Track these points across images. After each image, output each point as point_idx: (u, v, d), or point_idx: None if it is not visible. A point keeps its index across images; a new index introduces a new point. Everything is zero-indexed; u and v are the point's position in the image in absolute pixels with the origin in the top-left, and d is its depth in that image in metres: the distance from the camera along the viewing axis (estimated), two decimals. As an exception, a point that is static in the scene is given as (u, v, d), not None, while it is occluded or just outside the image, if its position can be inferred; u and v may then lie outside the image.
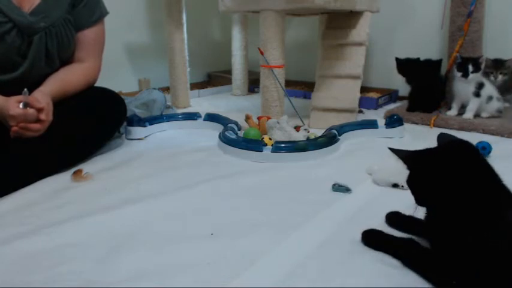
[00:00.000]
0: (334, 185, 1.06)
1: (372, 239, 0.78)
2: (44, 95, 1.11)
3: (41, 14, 1.16)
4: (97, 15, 1.30)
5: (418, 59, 1.84)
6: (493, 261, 0.60)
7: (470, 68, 1.63)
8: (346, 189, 1.04)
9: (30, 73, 1.18)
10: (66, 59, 1.28)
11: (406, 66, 1.86)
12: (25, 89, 1.07)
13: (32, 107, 1.07)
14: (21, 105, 1.06)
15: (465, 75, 1.65)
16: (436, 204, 0.70)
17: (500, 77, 1.78)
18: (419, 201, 0.73)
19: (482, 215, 0.64)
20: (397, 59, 1.87)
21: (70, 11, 1.23)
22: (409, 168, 0.74)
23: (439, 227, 0.70)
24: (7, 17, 1.10)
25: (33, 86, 1.14)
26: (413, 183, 0.73)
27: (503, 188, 0.67)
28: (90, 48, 1.30)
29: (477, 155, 0.69)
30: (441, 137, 0.76)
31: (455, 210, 0.66)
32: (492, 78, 1.77)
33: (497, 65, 1.78)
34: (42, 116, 1.08)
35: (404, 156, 0.75)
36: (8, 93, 1.08)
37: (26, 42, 1.15)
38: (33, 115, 1.07)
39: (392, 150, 0.76)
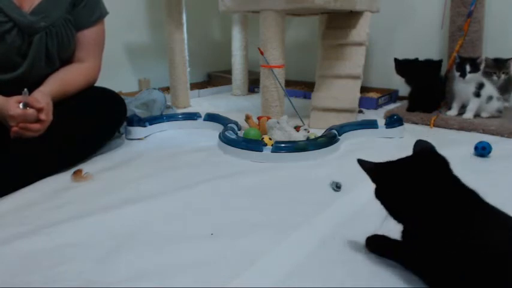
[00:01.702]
0: (332, 183, 1.07)
1: (377, 244, 0.76)
2: (43, 95, 1.11)
3: (41, 14, 1.16)
4: (97, 15, 1.30)
5: (417, 59, 1.84)
6: (483, 263, 0.59)
7: (468, 68, 1.64)
8: (336, 186, 1.06)
9: (30, 73, 1.18)
10: (66, 59, 1.28)
11: (405, 67, 1.85)
12: (25, 89, 1.07)
13: (32, 107, 1.07)
14: (21, 106, 1.06)
15: (463, 75, 1.65)
16: (406, 216, 0.70)
17: (502, 77, 1.77)
18: (389, 213, 0.73)
19: (463, 222, 0.63)
20: (395, 59, 1.87)
21: (70, 11, 1.23)
22: (373, 181, 0.74)
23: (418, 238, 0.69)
24: (7, 17, 1.10)
25: (33, 86, 1.14)
26: (379, 196, 0.73)
27: (475, 196, 0.67)
28: (90, 48, 1.30)
29: (443, 167, 0.69)
30: (417, 145, 0.76)
31: (427, 221, 0.65)
32: (495, 78, 1.76)
33: (499, 64, 1.77)
34: (42, 116, 1.08)
35: (369, 168, 0.74)
36: (8, 93, 1.08)
37: (26, 42, 1.15)
38: (33, 115, 1.07)
39: (360, 162, 0.76)
